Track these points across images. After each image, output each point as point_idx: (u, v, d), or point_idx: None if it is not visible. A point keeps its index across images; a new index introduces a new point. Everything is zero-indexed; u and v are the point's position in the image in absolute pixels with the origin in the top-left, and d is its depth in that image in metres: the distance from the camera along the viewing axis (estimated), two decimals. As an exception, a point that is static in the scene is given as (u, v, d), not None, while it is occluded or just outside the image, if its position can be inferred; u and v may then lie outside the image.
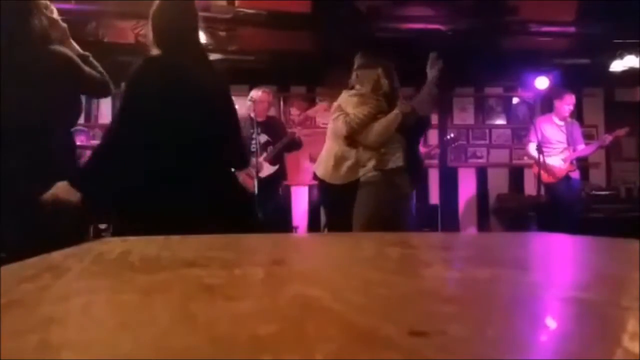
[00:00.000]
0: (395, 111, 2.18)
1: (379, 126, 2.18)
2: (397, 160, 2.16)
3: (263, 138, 3.37)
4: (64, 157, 1.52)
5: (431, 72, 2.25)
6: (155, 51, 1.48)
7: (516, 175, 5.20)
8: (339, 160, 2.26)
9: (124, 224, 1.40)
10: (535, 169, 3.86)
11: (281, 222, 4.14)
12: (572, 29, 3.94)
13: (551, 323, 0.28)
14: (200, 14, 1.59)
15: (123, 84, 1.53)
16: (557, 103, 3.84)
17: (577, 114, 4.75)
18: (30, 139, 1.46)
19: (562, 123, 3.85)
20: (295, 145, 3.51)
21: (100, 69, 1.72)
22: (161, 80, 1.41)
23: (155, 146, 1.38)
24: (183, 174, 1.38)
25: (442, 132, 4.92)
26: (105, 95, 1.84)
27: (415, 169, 2.28)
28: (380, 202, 2.13)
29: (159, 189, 1.36)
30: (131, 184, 1.39)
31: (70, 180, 1.37)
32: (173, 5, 1.49)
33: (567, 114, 3.82)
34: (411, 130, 2.25)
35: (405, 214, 2.25)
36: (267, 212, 3.15)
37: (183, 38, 1.47)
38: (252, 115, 3.32)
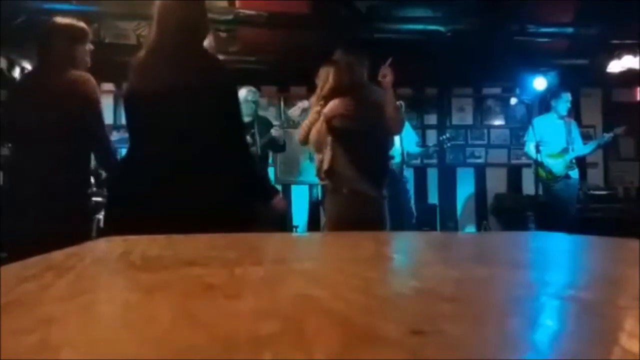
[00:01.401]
0: (321, 119, 2.17)
1: (311, 136, 2.22)
2: (327, 162, 2.13)
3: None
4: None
5: (386, 83, 2.17)
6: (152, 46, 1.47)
7: (514, 175, 5.21)
8: (316, 162, 2.33)
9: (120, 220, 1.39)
10: (535, 170, 3.87)
11: (279, 220, 4.12)
12: (570, 30, 3.95)
13: (550, 322, 0.29)
14: None
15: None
16: (554, 102, 3.86)
17: (575, 114, 4.76)
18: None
19: (560, 122, 3.86)
20: (276, 144, 3.46)
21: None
22: (146, 77, 1.39)
23: (151, 143, 1.37)
24: (169, 174, 1.36)
25: (441, 133, 4.93)
26: (106, 162, 1.83)
27: (378, 175, 2.18)
28: (340, 206, 2.12)
29: (150, 188, 1.35)
30: (130, 181, 1.39)
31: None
32: (180, 2, 1.48)
33: (564, 112, 3.83)
34: (376, 138, 2.16)
35: (376, 218, 2.10)
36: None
37: (184, 36, 1.44)
38: None
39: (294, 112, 3.28)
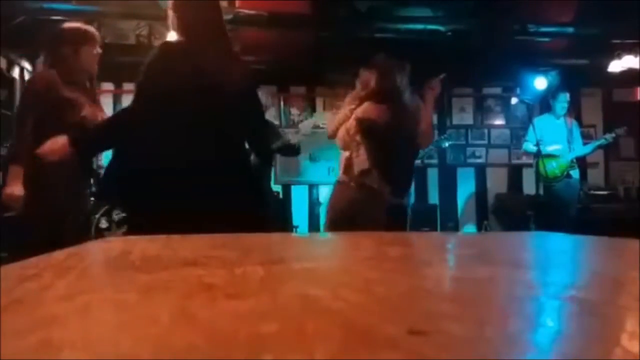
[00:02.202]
0: (352, 117, 2.17)
1: (339, 132, 2.24)
2: (361, 163, 2.13)
3: None
4: None
5: (431, 95, 2.18)
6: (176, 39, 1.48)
7: (515, 175, 5.21)
8: (342, 158, 2.33)
9: (134, 215, 1.39)
10: (535, 169, 3.87)
11: (281, 220, 4.14)
12: (570, 30, 3.95)
13: (550, 323, 0.29)
14: None
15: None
16: (552, 103, 3.87)
17: (576, 114, 4.77)
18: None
19: (560, 122, 3.86)
20: (290, 149, 3.41)
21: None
22: (178, 64, 1.40)
23: (166, 130, 1.38)
24: (193, 160, 1.37)
25: (442, 132, 4.93)
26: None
27: (402, 179, 2.18)
28: (347, 201, 2.11)
29: (168, 176, 1.35)
30: (140, 168, 1.39)
31: (71, 139, 1.44)
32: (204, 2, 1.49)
33: (562, 113, 3.84)
34: (408, 143, 2.16)
35: (377, 219, 2.08)
36: None
37: (206, 28, 1.46)
38: None
39: (306, 127, 3.29)
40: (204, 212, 1.24)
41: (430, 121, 2.24)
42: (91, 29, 1.94)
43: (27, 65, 4.06)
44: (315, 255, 0.71)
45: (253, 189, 1.50)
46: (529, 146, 3.77)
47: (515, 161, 5.15)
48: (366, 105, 2.15)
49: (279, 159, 4.75)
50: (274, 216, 3.41)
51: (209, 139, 1.39)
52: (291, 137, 3.45)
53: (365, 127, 2.12)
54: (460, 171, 5.22)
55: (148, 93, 1.41)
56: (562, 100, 3.81)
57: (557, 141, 3.81)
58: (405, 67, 2.23)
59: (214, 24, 1.49)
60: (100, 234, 3.36)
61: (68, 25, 1.94)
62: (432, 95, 2.19)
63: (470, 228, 5.11)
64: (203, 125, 1.40)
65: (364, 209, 2.07)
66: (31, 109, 1.80)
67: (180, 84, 1.38)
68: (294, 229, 4.54)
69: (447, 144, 4.44)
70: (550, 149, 3.73)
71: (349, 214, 2.08)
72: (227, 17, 3.46)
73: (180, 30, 1.47)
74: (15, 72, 4.03)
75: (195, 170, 1.35)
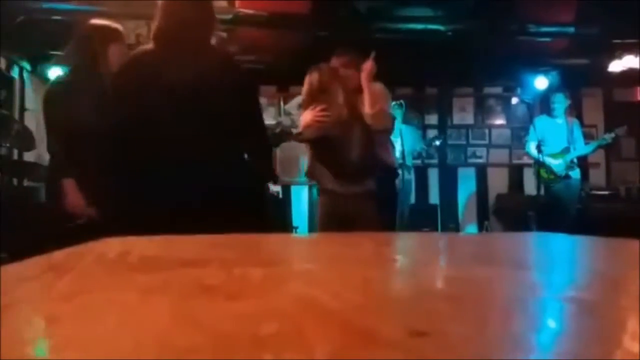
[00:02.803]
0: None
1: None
2: (306, 165, 2.21)
3: None
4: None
5: (364, 76, 2.15)
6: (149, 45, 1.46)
7: (516, 175, 5.21)
8: None
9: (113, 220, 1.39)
10: (535, 169, 3.88)
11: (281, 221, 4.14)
12: (571, 30, 3.95)
13: (551, 323, 0.29)
14: None
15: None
16: (550, 102, 3.89)
17: (577, 113, 4.77)
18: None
19: (561, 122, 3.86)
20: (282, 134, 3.39)
21: None
22: (143, 72, 1.40)
23: (163, 131, 1.37)
24: (192, 161, 1.36)
25: (442, 132, 4.93)
26: None
27: (357, 168, 2.13)
28: (322, 204, 2.16)
29: (168, 176, 1.35)
30: (139, 169, 1.39)
31: None
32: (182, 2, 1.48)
33: (559, 113, 3.84)
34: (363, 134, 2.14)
35: (365, 213, 2.06)
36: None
37: (181, 33, 1.43)
38: None
39: (292, 105, 3.26)
40: (204, 212, 1.24)
41: (373, 99, 2.14)
42: (120, 26, 1.92)
43: (27, 65, 4.06)
44: (315, 256, 0.71)
45: (252, 189, 1.50)
46: (531, 149, 3.77)
47: (516, 161, 5.15)
48: (303, 116, 2.18)
49: (279, 159, 4.75)
50: (273, 216, 3.40)
51: (208, 139, 1.39)
52: (282, 118, 3.45)
53: (304, 139, 2.17)
54: (461, 171, 5.22)
55: (122, 94, 1.42)
56: (555, 101, 3.83)
57: (558, 140, 3.81)
58: (353, 61, 2.24)
59: (190, 30, 1.45)
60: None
61: (97, 22, 1.92)
62: (365, 76, 2.17)
63: (471, 228, 5.11)
64: (200, 125, 1.39)
65: (344, 210, 2.08)
66: (54, 120, 1.80)
67: (147, 87, 1.37)
68: (294, 229, 4.54)
69: (437, 142, 4.46)
70: (552, 162, 3.74)
71: (338, 214, 2.10)
72: (227, 17, 3.48)
73: (158, 33, 1.45)
74: (15, 72, 4.04)
75: (195, 170, 1.35)
